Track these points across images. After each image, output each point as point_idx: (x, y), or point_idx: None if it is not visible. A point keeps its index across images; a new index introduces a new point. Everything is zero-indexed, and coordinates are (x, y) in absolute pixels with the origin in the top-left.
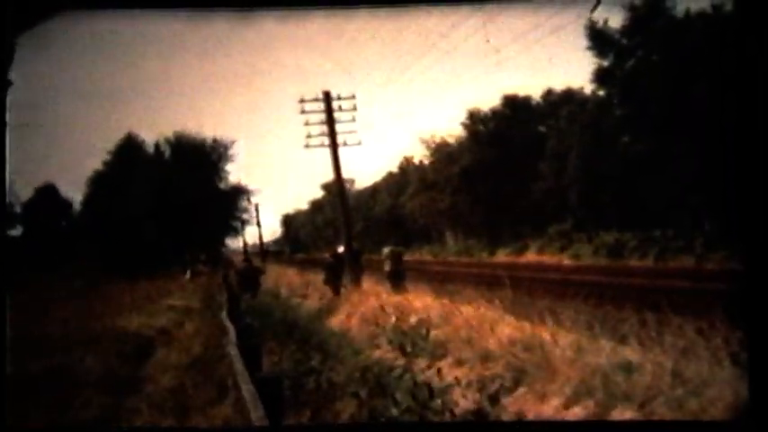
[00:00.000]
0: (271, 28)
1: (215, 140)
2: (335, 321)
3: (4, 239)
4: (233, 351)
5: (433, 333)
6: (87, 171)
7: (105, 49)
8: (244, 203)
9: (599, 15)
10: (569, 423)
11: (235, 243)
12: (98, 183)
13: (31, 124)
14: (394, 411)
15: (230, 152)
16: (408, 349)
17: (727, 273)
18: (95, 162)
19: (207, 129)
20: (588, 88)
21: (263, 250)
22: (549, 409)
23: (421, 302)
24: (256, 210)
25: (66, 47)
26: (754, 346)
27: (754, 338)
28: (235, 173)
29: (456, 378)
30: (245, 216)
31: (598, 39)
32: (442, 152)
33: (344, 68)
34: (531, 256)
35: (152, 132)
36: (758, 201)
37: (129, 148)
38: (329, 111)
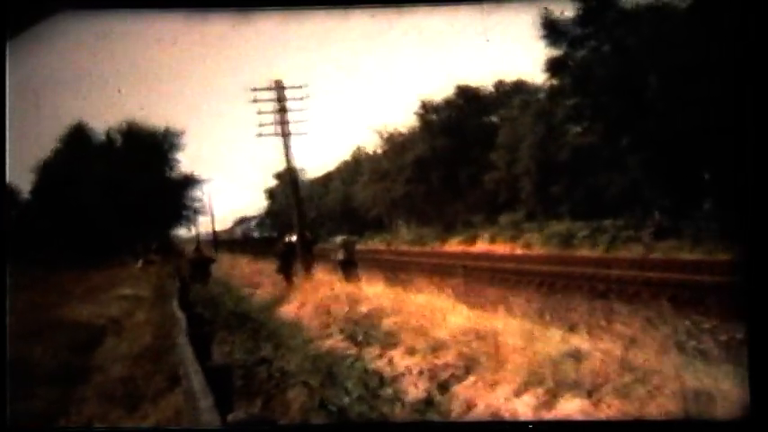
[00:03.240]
0: (226, 22)
1: (166, 130)
2: (287, 311)
3: (4, 237)
4: (183, 340)
5: (384, 322)
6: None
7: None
8: (195, 193)
9: (553, 5)
10: (569, 423)
11: (188, 232)
12: (47, 172)
13: None
14: (345, 400)
15: (182, 141)
16: (359, 338)
17: (674, 262)
18: (43, 152)
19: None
20: (541, 78)
21: (216, 239)
22: (499, 397)
23: (373, 291)
24: (208, 199)
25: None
26: (754, 345)
27: (754, 337)
28: (187, 162)
29: (407, 367)
30: (196, 205)
31: (551, 28)
32: (394, 142)
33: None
34: (482, 246)
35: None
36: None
37: (79, 137)
38: (281, 100)
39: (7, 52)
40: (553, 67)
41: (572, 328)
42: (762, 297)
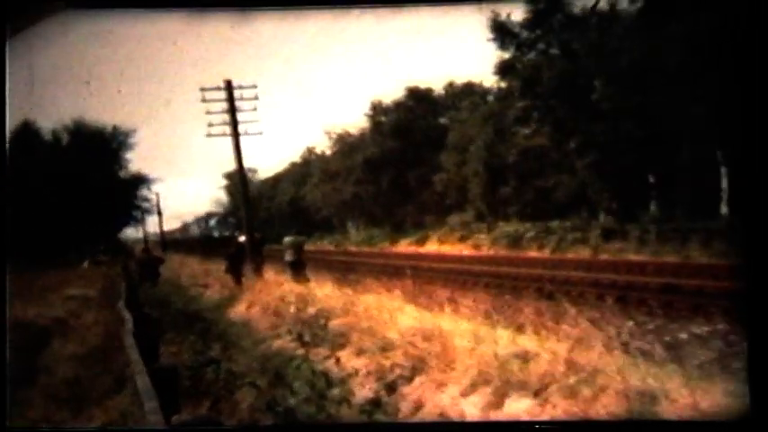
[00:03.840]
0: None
1: (115, 128)
2: (236, 311)
3: (4, 237)
4: (129, 341)
5: (333, 323)
6: None
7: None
8: (144, 192)
9: (501, 7)
10: (569, 423)
11: (137, 232)
12: None
13: None
14: (292, 401)
15: (131, 140)
16: (307, 339)
17: (620, 263)
18: None
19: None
20: (490, 80)
21: (164, 239)
22: (447, 397)
23: (322, 292)
24: (157, 198)
25: None
26: (754, 346)
27: (754, 339)
28: (136, 161)
29: (354, 368)
30: (145, 205)
31: (500, 31)
32: (344, 143)
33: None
34: (431, 246)
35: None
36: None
37: (25, 135)
38: (231, 100)
39: (7, 52)
40: (502, 69)
41: (519, 329)
42: (761, 298)
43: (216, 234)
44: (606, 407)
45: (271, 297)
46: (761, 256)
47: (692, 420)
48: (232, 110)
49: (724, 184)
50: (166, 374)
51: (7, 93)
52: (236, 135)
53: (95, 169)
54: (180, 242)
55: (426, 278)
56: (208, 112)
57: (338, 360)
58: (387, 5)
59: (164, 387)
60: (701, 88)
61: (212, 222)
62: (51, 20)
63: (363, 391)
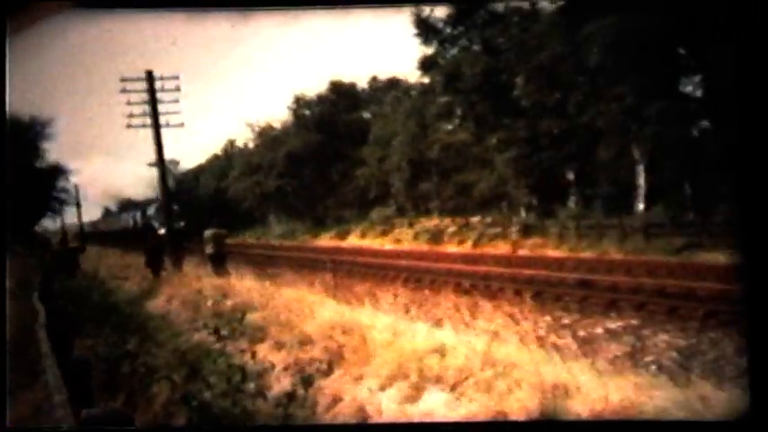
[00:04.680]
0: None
1: (32, 118)
2: (155, 304)
3: (4, 243)
4: (41, 334)
5: (253, 316)
6: None
7: None
8: (62, 183)
9: (426, 4)
10: (569, 423)
11: (55, 223)
12: None
13: None
14: (207, 395)
15: (49, 131)
16: (224, 332)
17: (538, 259)
18: None
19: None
20: (414, 75)
21: (83, 230)
22: (365, 391)
23: (242, 285)
24: (76, 190)
25: None
26: (754, 346)
27: (754, 339)
28: (55, 152)
29: (271, 362)
30: (63, 196)
31: (423, 26)
32: (267, 136)
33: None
34: (353, 241)
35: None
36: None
37: None
38: (152, 90)
39: (7, 52)
40: (425, 65)
41: (437, 323)
42: (761, 298)
43: (156, 224)
44: (520, 401)
45: (190, 290)
46: (760, 256)
47: (692, 420)
48: (153, 101)
49: (640, 180)
50: (78, 368)
51: (7, 92)
52: (156, 126)
53: (11, 159)
54: (101, 234)
55: (347, 272)
56: (128, 103)
57: (254, 354)
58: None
59: (76, 380)
60: (620, 86)
61: (151, 212)
62: None
63: (280, 384)
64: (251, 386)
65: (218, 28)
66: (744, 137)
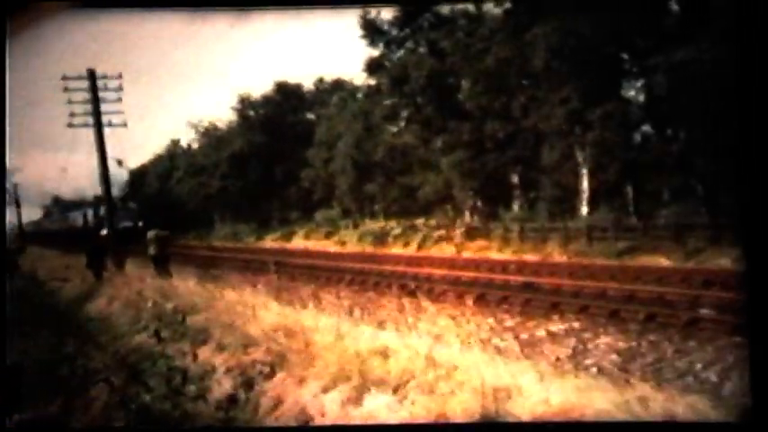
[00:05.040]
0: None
1: None
2: (95, 306)
3: (4, 245)
4: None
5: (195, 318)
6: None
7: None
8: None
9: (373, 6)
10: (570, 423)
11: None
12: None
13: None
14: (146, 398)
15: None
16: (165, 334)
17: (483, 261)
18: None
19: None
20: (360, 77)
21: (22, 231)
22: (307, 393)
23: (185, 287)
24: (15, 189)
25: None
26: (755, 347)
27: (755, 340)
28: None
29: (212, 364)
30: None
31: (370, 28)
32: (211, 136)
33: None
34: (297, 242)
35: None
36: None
37: None
38: (94, 90)
39: (7, 52)
40: (371, 67)
41: (381, 325)
42: (762, 300)
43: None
44: (462, 403)
45: (131, 292)
46: (762, 262)
47: (692, 421)
48: (95, 100)
49: (583, 184)
50: (9, 373)
51: (7, 92)
52: (98, 125)
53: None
54: (45, 234)
55: (291, 274)
56: (70, 102)
57: (196, 356)
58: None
59: (6, 386)
60: (564, 90)
61: (101, 211)
62: None
63: (222, 387)
64: (192, 389)
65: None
66: (743, 141)
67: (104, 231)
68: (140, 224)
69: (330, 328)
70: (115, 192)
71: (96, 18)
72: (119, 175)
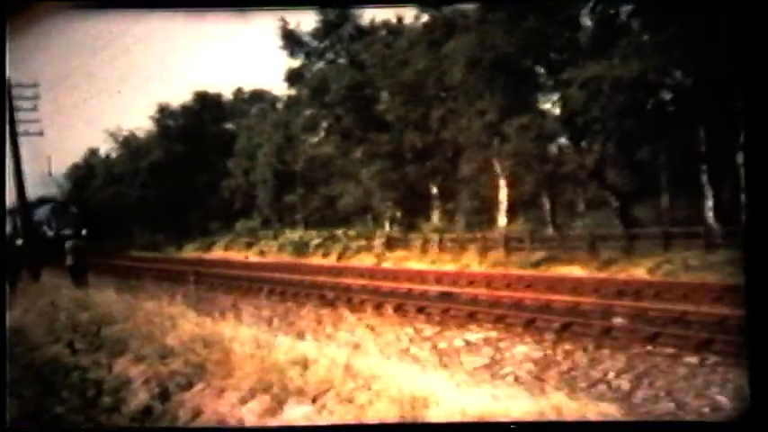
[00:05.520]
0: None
1: None
2: (10, 317)
3: (4, 245)
4: None
5: (112, 329)
6: None
7: None
8: None
9: (292, 17)
10: (567, 423)
11: None
12: None
13: None
14: (59, 410)
15: None
16: (81, 346)
17: (402, 272)
18: None
19: None
20: (280, 88)
21: None
22: (226, 404)
23: (102, 298)
24: None
25: None
26: (755, 347)
27: (755, 340)
28: None
29: (129, 375)
30: None
31: (289, 39)
32: (129, 146)
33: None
34: (217, 253)
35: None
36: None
37: None
38: (9, 98)
39: (7, 52)
40: (291, 77)
41: (300, 336)
42: (760, 300)
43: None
44: (379, 412)
45: (46, 302)
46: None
47: (692, 420)
48: (10, 108)
49: (501, 195)
50: None
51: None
52: (13, 134)
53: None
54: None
55: (210, 284)
56: None
57: (111, 367)
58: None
59: None
60: (482, 103)
61: (41, 215)
62: None
63: (138, 398)
64: (106, 400)
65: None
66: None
67: (19, 242)
68: (84, 231)
69: (249, 339)
70: (55, 193)
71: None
72: (58, 179)
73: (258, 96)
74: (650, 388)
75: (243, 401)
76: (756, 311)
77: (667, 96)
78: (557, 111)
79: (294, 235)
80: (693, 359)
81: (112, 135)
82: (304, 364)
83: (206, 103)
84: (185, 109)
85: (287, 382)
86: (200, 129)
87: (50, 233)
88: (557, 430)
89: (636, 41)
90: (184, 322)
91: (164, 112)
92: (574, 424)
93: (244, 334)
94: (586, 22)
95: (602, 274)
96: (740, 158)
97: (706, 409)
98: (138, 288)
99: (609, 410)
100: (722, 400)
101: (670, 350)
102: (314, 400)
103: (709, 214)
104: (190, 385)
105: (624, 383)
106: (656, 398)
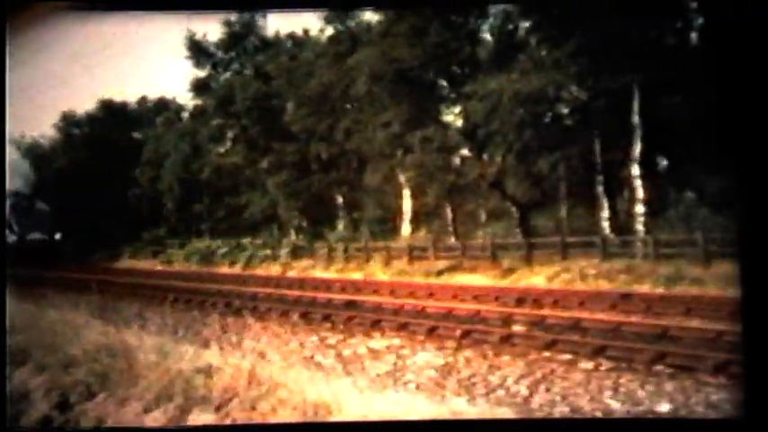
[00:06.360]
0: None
1: None
2: None
3: (4, 245)
4: None
5: (14, 338)
6: None
7: None
8: None
9: (198, 27)
10: (567, 421)
11: None
12: None
13: None
14: None
15: None
16: None
17: (308, 280)
18: None
19: None
20: (187, 97)
21: None
22: (130, 413)
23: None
24: None
25: None
26: (751, 347)
27: (751, 340)
28: None
29: (30, 385)
30: None
31: (196, 49)
32: (34, 154)
33: None
34: (124, 262)
35: None
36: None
37: None
38: None
39: (7, 52)
40: (197, 87)
41: (205, 344)
42: (758, 300)
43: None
44: (282, 419)
45: None
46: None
47: (692, 420)
48: None
49: (405, 205)
50: None
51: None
52: None
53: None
54: None
55: (115, 293)
56: None
57: (10, 378)
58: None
59: None
60: (386, 114)
61: None
62: None
63: (38, 409)
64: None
65: None
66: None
67: None
68: (57, 236)
69: (154, 348)
70: (20, 185)
71: None
72: (21, 165)
73: (164, 105)
74: (547, 393)
75: (147, 410)
76: (757, 310)
77: (565, 110)
78: (459, 123)
79: (201, 244)
80: (589, 365)
81: (15, 143)
82: (208, 373)
83: (112, 111)
84: (91, 117)
85: (191, 390)
86: (106, 137)
87: (12, 237)
88: (560, 429)
89: (535, 57)
90: (88, 331)
91: (68, 119)
92: (573, 422)
93: (148, 343)
94: (487, 37)
95: (503, 283)
96: (634, 170)
97: (599, 414)
98: (41, 297)
99: (506, 415)
100: (615, 404)
101: (567, 356)
102: (218, 409)
103: (605, 224)
104: (92, 395)
105: (522, 389)
106: (553, 403)
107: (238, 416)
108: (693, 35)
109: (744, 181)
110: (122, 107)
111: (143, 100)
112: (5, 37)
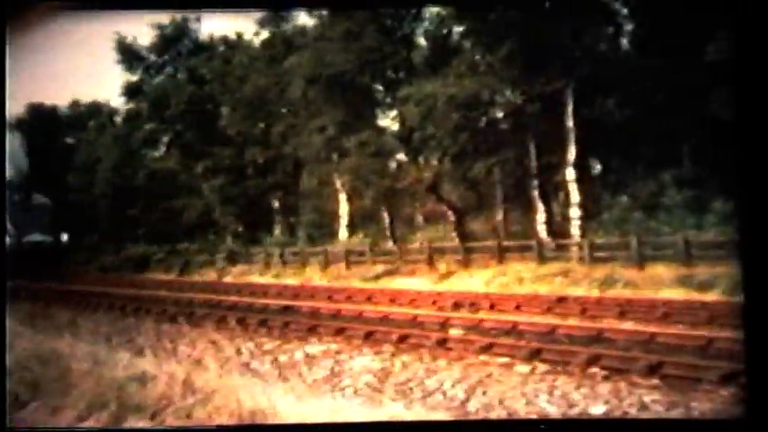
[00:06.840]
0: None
1: None
2: None
3: (4, 245)
4: None
5: None
6: None
7: None
8: None
9: (128, 30)
10: (567, 421)
11: None
12: None
13: None
14: None
15: None
16: None
17: (243, 285)
18: None
19: None
20: (119, 101)
21: None
22: (63, 422)
23: None
24: None
25: None
26: (752, 347)
27: (752, 341)
28: None
29: None
30: None
31: (127, 53)
32: None
33: None
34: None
35: None
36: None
37: None
38: None
39: (7, 52)
40: (129, 91)
41: (139, 352)
42: (759, 303)
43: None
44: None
45: None
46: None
47: (692, 420)
48: None
49: (342, 209)
50: None
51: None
52: None
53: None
54: None
55: (46, 301)
56: None
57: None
58: None
59: None
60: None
61: None
62: None
63: None
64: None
65: None
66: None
67: None
68: (64, 238)
69: (87, 355)
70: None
71: None
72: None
73: (96, 109)
74: (484, 396)
75: (80, 419)
76: (757, 311)
77: (499, 114)
78: (395, 127)
79: (135, 249)
80: (525, 368)
81: None
82: (143, 380)
83: (42, 116)
84: (20, 122)
85: (125, 398)
86: (36, 142)
87: (10, 239)
88: (555, 429)
89: (469, 61)
90: (19, 340)
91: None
92: (574, 422)
93: (82, 350)
94: (422, 41)
95: (440, 287)
96: (569, 174)
97: (534, 416)
98: None
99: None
100: (550, 408)
101: (503, 360)
102: (152, 417)
103: (541, 228)
104: (23, 404)
105: (459, 393)
106: (489, 406)
107: (173, 424)
108: (624, 41)
109: (744, 185)
110: (52, 112)
111: (74, 104)
112: (5, 37)
